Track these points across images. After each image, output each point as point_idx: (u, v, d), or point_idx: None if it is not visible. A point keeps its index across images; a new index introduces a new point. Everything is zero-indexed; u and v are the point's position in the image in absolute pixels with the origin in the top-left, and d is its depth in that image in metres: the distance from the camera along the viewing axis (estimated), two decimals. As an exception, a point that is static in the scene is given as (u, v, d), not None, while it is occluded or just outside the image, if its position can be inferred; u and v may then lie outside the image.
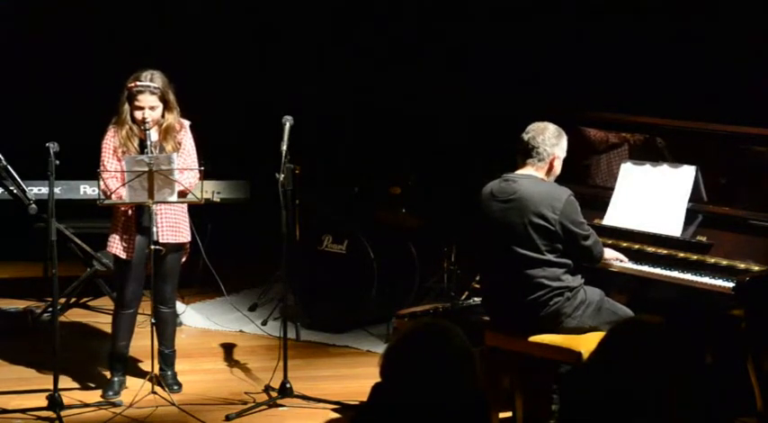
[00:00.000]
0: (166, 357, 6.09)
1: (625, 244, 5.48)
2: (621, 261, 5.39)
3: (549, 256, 5.01)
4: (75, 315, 7.46)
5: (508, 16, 8.35)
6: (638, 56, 7.42)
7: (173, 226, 5.85)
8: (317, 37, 9.14)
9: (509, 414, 5.38)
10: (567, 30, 7.95)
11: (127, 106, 5.77)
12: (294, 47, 9.18)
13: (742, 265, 5.14)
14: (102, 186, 5.71)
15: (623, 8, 7.54)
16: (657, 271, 5.34)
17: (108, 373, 6.07)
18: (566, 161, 5.23)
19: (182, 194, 5.76)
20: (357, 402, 5.75)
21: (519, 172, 5.16)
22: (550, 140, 5.13)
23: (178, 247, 5.92)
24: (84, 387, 6.09)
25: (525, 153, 5.15)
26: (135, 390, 5.84)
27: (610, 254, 5.38)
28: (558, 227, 4.99)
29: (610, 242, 5.44)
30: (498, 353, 5.21)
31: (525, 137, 5.16)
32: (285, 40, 9.19)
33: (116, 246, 5.84)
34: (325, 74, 9.08)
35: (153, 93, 5.74)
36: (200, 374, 6.38)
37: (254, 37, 9.19)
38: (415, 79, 8.77)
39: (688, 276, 5.25)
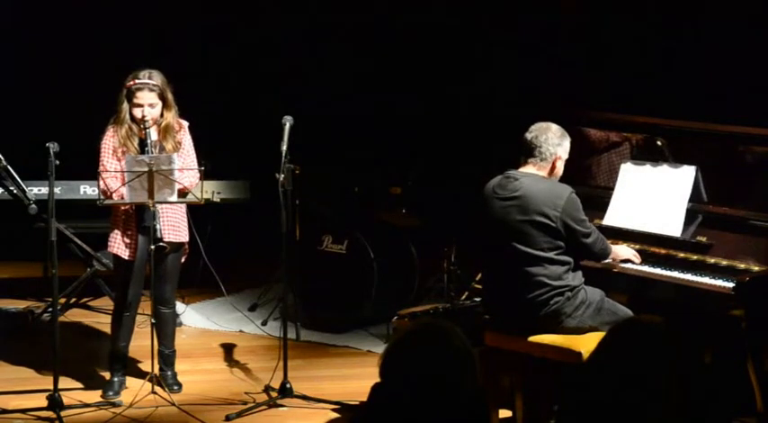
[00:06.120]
0: (166, 357, 6.09)
1: (625, 244, 5.47)
2: (634, 261, 5.37)
3: (551, 254, 5.01)
4: (75, 315, 7.45)
5: (508, 16, 8.35)
6: (638, 55, 7.42)
7: (174, 225, 5.86)
8: (317, 36, 9.14)
9: (509, 414, 5.38)
10: (567, 29, 7.95)
11: (126, 105, 5.77)
12: (294, 45, 9.18)
13: (742, 265, 5.14)
14: (102, 186, 5.71)
15: (623, 8, 7.55)
16: (657, 271, 5.34)
17: (108, 373, 6.07)
18: (566, 161, 5.23)
19: (182, 194, 5.76)
20: (357, 402, 5.75)
21: (521, 170, 5.16)
22: (553, 140, 5.13)
23: (178, 247, 5.93)
24: (84, 387, 6.09)
25: (528, 152, 5.15)
26: (135, 390, 5.84)
27: (624, 252, 5.37)
28: (560, 224, 4.99)
29: (609, 242, 5.44)
30: (498, 353, 5.20)
31: (528, 136, 5.16)
32: (285, 38, 9.19)
33: (117, 245, 5.84)
34: (325, 73, 9.08)
35: (152, 90, 5.74)
36: (200, 374, 6.38)
37: (254, 36, 9.19)
38: (415, 79, 8.78)
39: (688, 276, 5.25)
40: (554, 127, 5.18)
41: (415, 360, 3.09)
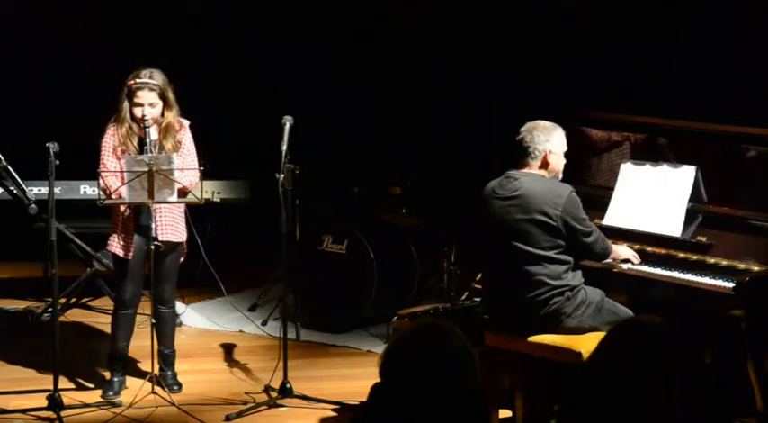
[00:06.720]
0: (166, 357, 6.09)
1: (625, 244, 5.47)
2: (633, 261, 5.37)
3: (551, 253, 5.01)
4: (75, 315, 7.45)
5: (509, 17, 8.35)
6: (638, 56, 7.41)
7: (171, 224, 5.85)
8: (318, 37, 9.15)
9: (509, 414, 5.38)
10: (566, 29, 7.95)
11: (126, 104, 5.78)
12: (295, 46, 9.18)
13: (742, 266, 5.14)
14: (102, 185, 5.72)
15: (623, 8, 7.54)
16: (657, 271, 5.35)
17: (108, 373, 6.06)
18: (567, 160, 5.23)
19: (182, 194, 5.76)
20: (357, 402, 5.75)
21: (520, 170, 5.16)
22: (540, 137, 5.13)
23: (176, 246, 5.92)
24: (84, 387, 6.09)
25: (521, 154, 5.16)
26: (135, 390, 5.84)
27: (624, 251, 5.37)
28: (560, 223, 5.00)
29: (609, 242, 5.44)
30: (498, 353, 5.20)
31: (518, 138, 5.17)
32: (285, 39, 9.19)
33: (115, 245, 5.84)
34: (325, 73, 9.08)
35: (152, 89, 5.75)
36: (200, 374, 6.38)
37: (254, 36, 9.19)
38: (415, 78, 8.78)
39: (688, 276, 5.25)
40: (541, 124, 5.17)
41: (415, 360, 3.09)
